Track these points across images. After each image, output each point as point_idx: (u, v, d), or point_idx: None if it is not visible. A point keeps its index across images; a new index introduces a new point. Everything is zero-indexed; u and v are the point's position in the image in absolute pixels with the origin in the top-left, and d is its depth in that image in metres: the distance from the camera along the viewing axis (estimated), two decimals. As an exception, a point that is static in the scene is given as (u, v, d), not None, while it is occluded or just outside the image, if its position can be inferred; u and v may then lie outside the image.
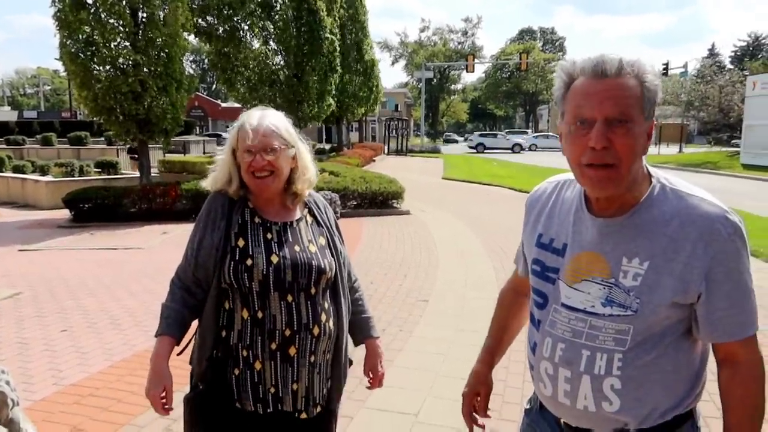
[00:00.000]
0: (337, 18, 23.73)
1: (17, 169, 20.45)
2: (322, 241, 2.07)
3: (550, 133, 55.72)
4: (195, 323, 2.03)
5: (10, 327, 5.63)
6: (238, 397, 1.95)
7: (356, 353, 2.22)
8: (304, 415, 1.99)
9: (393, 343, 5.08)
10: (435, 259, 8.58)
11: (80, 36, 13.06)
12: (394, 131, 44.29)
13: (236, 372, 1.94)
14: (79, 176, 18.55)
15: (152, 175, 16.36)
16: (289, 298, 1.93)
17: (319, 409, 2.03)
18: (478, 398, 1.84)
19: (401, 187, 14.04)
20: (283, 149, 1.96)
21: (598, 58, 1.33)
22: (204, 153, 32.44)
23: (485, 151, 47.94)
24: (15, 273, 7.93)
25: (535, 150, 49.27)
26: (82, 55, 13.11)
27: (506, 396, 4.06)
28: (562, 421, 1.55)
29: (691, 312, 1.39)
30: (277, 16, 21.38)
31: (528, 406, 1.74)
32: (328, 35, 21.70)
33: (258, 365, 1.93)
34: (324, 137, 55.20)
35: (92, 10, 13.01)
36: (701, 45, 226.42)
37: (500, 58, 79.69)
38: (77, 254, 9.47)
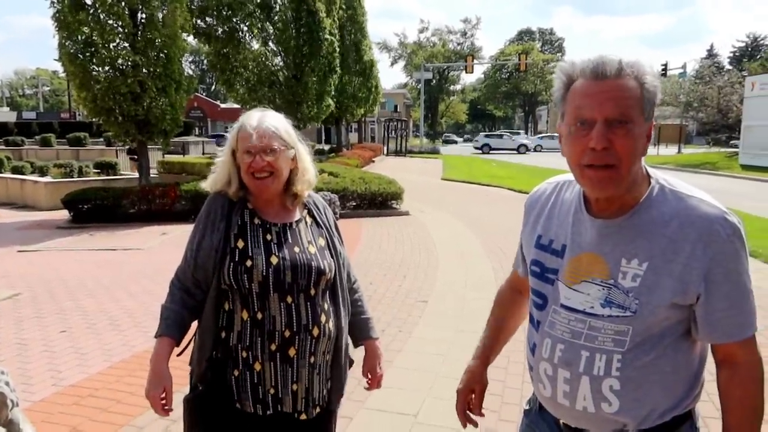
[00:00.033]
0: (336, 19, 23.73)
1: (16, 170, 20.44)
2: (322, 242, 2.07)
3: (556, 134, 55.67)
4: (194, 324, 2.04)
5: (9, 328, 5.63)
6: (237, 398, 1.95)
7: (355, 354, 2.22)
8: (303, 416, 2.00)
9: (392, 343, 5.08)
10: (434, 259, 8.58)
11: (79, 37, 13.07)
12: (393, 132, 44.31)
13: (236, 373, 1.94)
14: (78, 177, 18.54)
15: (151, 176, 16.37)
16: (289, 299, 1.93)
17: (318, 410, 2.03)
18: (473, 396, 1.82)
19: (400, 187, 14.04)
20: (283, 150, 1.96)
21: (597, 60, 1.33)
22: (203, 154, 32.45)
23: (491, 151, 47.80)
24: (14, 274, 7.93)
25: (540, 151, 49.22)
26: (81, 56, 13.12)
27: (505, 397, 4.06)
28: (561, 421, 1.55)
29: (690, 313, 1.39)
30: (276, 17, 21.40)
31: (527, 407, 1.74)
32: (327, 36, 21.72)
33: (258, 366, 1.93)
34: (323, 138, 55.20)
35: (91, 11, 13.02)
36: (700, 46, 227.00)
37: (499, 58, 79.73)
38: (76, 255, 9.47)
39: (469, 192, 18.55)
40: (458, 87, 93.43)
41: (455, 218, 12.74)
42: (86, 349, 5.07)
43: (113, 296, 6.74)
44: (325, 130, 54.09)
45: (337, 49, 23.23)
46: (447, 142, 72.20)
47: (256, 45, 21.67)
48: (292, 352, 1.94)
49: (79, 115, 48.71)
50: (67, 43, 13.05)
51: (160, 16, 13.62)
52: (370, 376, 2.25)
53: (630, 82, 1.32)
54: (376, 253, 9.10)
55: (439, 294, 6.74)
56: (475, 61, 55.77)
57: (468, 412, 1.84)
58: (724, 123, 37.66)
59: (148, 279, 7.53)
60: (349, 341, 2.18)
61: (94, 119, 15.63)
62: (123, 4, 13.11)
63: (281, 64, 21.79)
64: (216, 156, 2.10)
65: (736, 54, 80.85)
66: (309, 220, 2.10)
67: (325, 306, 2.02)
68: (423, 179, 22.60)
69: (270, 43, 21.88)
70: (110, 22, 13.18)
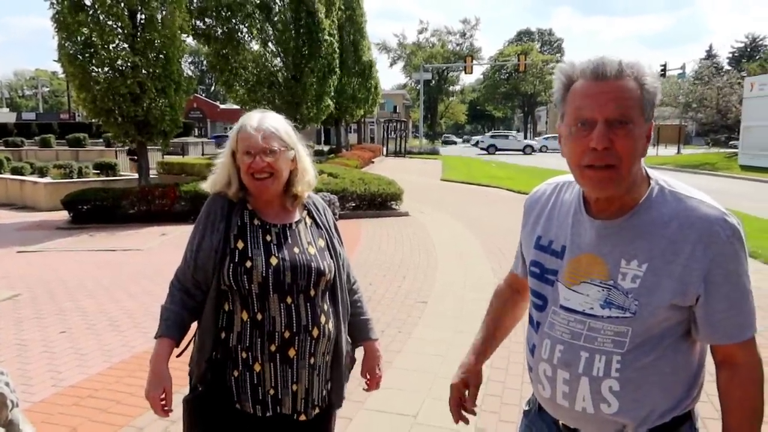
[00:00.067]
0: (335, 20, 23.74)
1: (16, 171, 20.43)
2: (322, 242, 2.08)
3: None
4: (194, 325, 2.04)
5: (9, 328, 5.63)
6: (237, 398, 1.95)
7: (354, 355, 2.22)
8: (303, 417, 2.00)
9: (392, 344, 5.08)
10: (434, 260, 8.58)
11: (79, 38, 13.07)
12: (392, 133, 44.31)
13: (235, 374, 1.94)
14: (78, 178, 18.53)
15: (151, 176, 16.36)
16: (289, 299, 1.94)
17: (317, 410, 2.04)
18: (467, 391, 1.79)
19: (400, 188, 14.04)
20: (283, 151, 1.96)
21: (598, 60, 1.33)
22: (203, 155, 32.46)
23: (497, 152, 47.61)
24: (14, 274, 7.93)
25: (545, 151, 49.18)
26: (80, 57, 13.12)
27: (505, 397, 4.06)
28: (560, 422, 1.55)
29: (690, 314, 1.39)
30: (276, 18, 21.41)
31: (527, 408, 1.74)
32: (327, 37, 21.72)
33: (257, 367, 1.93)
34: (323, 139, 55.21)
35: (91, 12, 13.02)
36: (699, 46, 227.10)
37: (498, 59, 79.70)
38: (76, 256, 9.47)
39: (468, 193, 18.55)
40: (457, 88, 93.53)
41: (454, 219, 12.74)
42: (86, 349, 5.07)
43: (113, 297, 6.74)
44: (324, 131, 54.13)
45: (337, 50, 23.23)
46: (446, 142, 72.18)
47: (255, 46, 21.68)
48: (291, 352, 1.94)
49: (78, 115, 48.73)
50: (66, 44, 13.05)
51: (159, 17, 13.61)
52: (369, 377, 2.25)
53: (630, 83, 1.32)
54: (376, 253, 9.11)
55: (438, 295, 6.74)
56: (475, 62, 55.76)
57: (462, 410, 1.81)
58: (723, 123, 37.75)
59: (147, 280, 7.53)
60: (350, 341, 2.19)
61: (93, 120, 15.64)
62: (122, 5, 13.12)
63: (280, 64, 21.79)
64: (216, 157, 2.10)
65: (735, 54, 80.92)
66: (309, 221, 2.11)
67: (325, 307, 2.02)
68: (422, 180, 22.61)
69: (269, 44, 21.89)
70: (110, 23, 13.18)
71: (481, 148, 50.42)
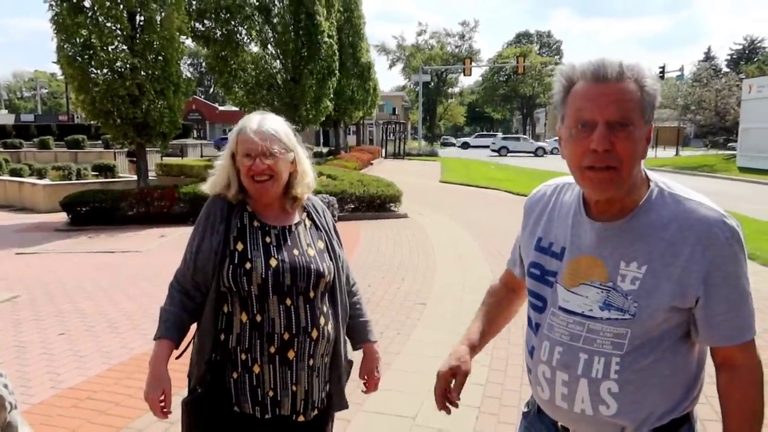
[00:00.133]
0: (334, 21, 23.76)
1: (14, 173, 20.40)
2: (321, 244, 2.08)
3: None
4: (193, 327, 2.04)
5: (8, 330, 5.62)
6: (236, 400, 1.95)
7: (353, 356, 2.22)
8: (302, 418, 2.00)
9: (391, 346, 5.08)
10: (433, 262, 8.58)
11: (78, 39, 13.06)
12: (391, 134, 44.32)
13: (234, 375, 1.94)
14: (77, 179, 18.51)
15: (150, 178, 16.35)
16: (288, 301, 1.94)
17: (316, 412, 2.04)
18: (453, 380, 1.70)
19: (399, 190, 14.04)
20: (283, 153, 1.96)
21: (598, 62, 1.34)
22: (202, 156, 32.46)
23: (508, 154, 47.38)
24: (12, 276, 7.92)
25: (557, 153, 49.14)
26: (79, 59, 13.11)
27: (503, 399, 4.07)
28: (559, 424, 1.55)
29: (689, 316, 1.40)
30: (275, 20, 21.42)
31: (526, 410, 1.74)
32: (326, 39, 21.74)
33: (257, 369, 1.93)
34: (321, 140, 55.22)
35: (90, 14, 13.01)
36: (697, 48, 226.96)
37: (497, 61, 79.72)
38: (75, 257, 9.46)
39: (467, 194, 18.56)
40: (456, 90, 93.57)
41: (453, 221, 12.75)
42: (85, 351, 5.07)
43: (112, 299, 6.73)
44: (323, 132, 54.16)
45: (336, 52, 23.25)
46: (445, 144, 72.11)
47: (254, 48, 21.71)
48: (291, 354, 1.94)
49: (77, 117, 48.69)
50: (65, 46, 13.04)
51: (159, 18, 13.61)
52: (367, 379, 2.25)
53: (631, 85, 1.32)
54: (375, 255, 9.11)
55: (437, 296, 6.74)
56: (474, 64, 55.71)
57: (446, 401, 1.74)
58: (721, 125, 37.81)
59: (146, 281, 7.53)
60: (348, 343, 2.19)
61: (92, 122, 15.62)
62: (121, 7, 13.12)
63: (280, 66, 21.80)
64: (215, 159, 2.10)
65: (734, 57, 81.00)
66: (308, 222, 2.11)
67: (324, 308, 2.02)
68: (421, 182, 22.61)
69: (269, 46, 21.91)
70: (108, 24, 13.17)
71: (493, 150, 50.10)
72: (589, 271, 1.44)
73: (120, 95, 13.13)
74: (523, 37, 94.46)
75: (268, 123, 1.98)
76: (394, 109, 66.74)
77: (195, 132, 52.21)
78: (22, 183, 18.60)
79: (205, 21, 19.87)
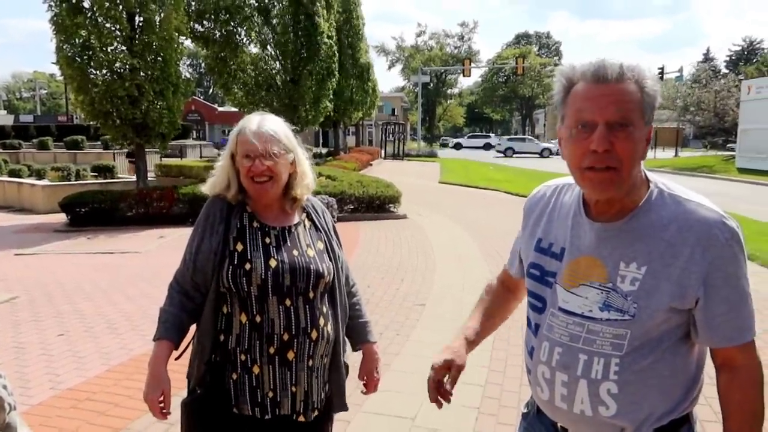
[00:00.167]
0: (333, 22, 23.76)
1: (13, 173, 20.37)
2: (320, 245, 2.08)
3: None
4: (193, 328, 2.04)
5: (7, 331, 5.62)
6: (235, 401, 1.95)
7: (353, 357, 2.22)
8: (302, 418, 2.00)
9: (390, 347, 5.08)
10: (432, 263, 8.58)
11: (77, 40, 13.05)
12: (390, 135, 44.32)
13: (234, 376, 1.94)
14: (76, 180, 18.48)
15: (149, 179, 16.33)
16: (288, 302, 1.94)
17: (317, 413, 2.03)
18: (447, 373, 1.69)
19: (398, 191, 14.04)
20: (282, 154, 1.96)
21: (598, 63, 1.34)
22: (201, 157, 32.44)
23: (514, 155, 47.17)
24: (11, 277, 7.91)
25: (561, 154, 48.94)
26: (78, 60, 13.10)
27: (503, 400, 4.07)
28: (559, 425, 1.55)
29: (689, 317, 1.40)
30: (275, 21, 21.41)
31: (525, 410, 1.74)
32: (326, 40, 21.73)
33: (256, 369, 1.93)
34: (321, 141, 55.22)
35: (89, 15, 12.99)
36: (696, 50, 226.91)
37: (496, 62, 79.78)
38: (74, 258, 9.45)
39: (466, 195, 18.57)
40: (456, 90, 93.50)
41: (453, 221, 12.75)
42: (84, 352, 5.06)
43: (111, 299, 6.73)
44: (322, 133, 54.17)
45: (336, 53, 23.24)
46: (444, 145, 72.06)
47: (254, 49, 21.69)
48: (290, 355, 1.94)
49: (76, 118, 48.59)
50: (64, 47, 13.03)
51: (158, 19, 13.61)
52: (367, 380, 2.25)
53: (631, 86, 1.33)
54: (374, 256, 9.10)
55: (436, 297, 6.74)
56: (473, 65, 55.72)
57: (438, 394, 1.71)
58: (720, 126, 37.85)
59: (145, 282, 7.52)
60: (347, 345, 2.19)
61: (91, 122, 15.61)
62: (120, 7, 13.10)
63: (279, 67, 21.80)
64: (215, 160, 2.10)
65: (733, 58, 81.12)
66: (308, 223, 2.11)
67: (324, 309, 2.02)
68: (420, 182, 22.61)
69: (268, 47, 21.90)
70: (108, 25, 13.16)
71: (498, 151, 49.90)
72: (588, 271, 1.44)
73: (119, 96, 13.12)
74: (522, 38, 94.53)
75: (267, 124, 1.98)
76: (393, 110, 66.78)
77: (194, 133, 52.15)
78: (21, 184, 18.58)
79: (205, 22, 19.85)
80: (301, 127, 22.02)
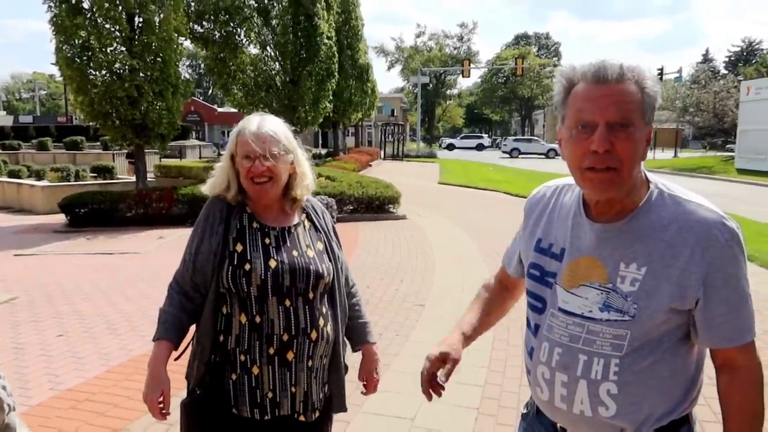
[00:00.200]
0: (332, 23, 23.77)
1: (13, 174, 20.36)
2: (320, 246, 2.08)
3: None
4: (192, 328, 2.03)
5: (6, 332, 5.62)
6: (235, 402, 1.95)
7: (352, 358, 2.22)
8: (302, 418, 2.00)
9: (389, 347, 5.08)
10: (431, 263, 8.58)
11: (76, 41, 13.05)
12: (390, 136, 44.32)
13: (233, 377, 1.94)
14: (75, 181, 18.47)
15: (148, 179, 16.33)
16: (287, 302, 1.94)
17: (317, 413, 2.03)
18: (442, 366, 1.67)
19: (397, 191, 14.04)
20: (282, 155, 1.96)
21: (599, 64, 1.34)
22: (200, 158, 32.44)
23: (520, 155, 47.03)
24: (10, 278, 7.91)
25: None
26: (78, 60, 13.10)
27: (502, 401, 4.06)
28: (558, 425, 1.55)
29: (689, 318, 1.40)
30: (274, 22, 21.42)
31: (525, 411, 1.74)
32: (325, 41, 21.74)
33: (256, 370, 1.93)
34: (320, 142, 55.22)
35: (89, 16, 12.99)
36: (695, 50, 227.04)
37: (496, 63, 79.71)
38: (73, 259, 9.45)
39: (465, 196, 18.57)
40: (455, 91, 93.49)
41: (452, 222, 12.75)
42: (83, 353, 5.06)
43: (110, 300, 6.72)
44: (322, 134, 54.17)
45: (336, 54, 23.24)
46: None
47: (253, 49, 21.69)
48: (290, 355, 1.94)
49: (75, 119, 48.58)
50: (64, 47, 13.03)
51: (157, 20, 13.61)
52: (366, 380, 2.25)
53: (631, 87, 1.33)
54: (374, 257, 9.10)
55: (436, 298, 6.74)
56: (472, 66, 55.66)
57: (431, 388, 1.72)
58: (719, 127, 37.87)
59: (145, 283, 7.52)
60: (347, 345, 2.19)
61: (91, 123, 15.59)
62: (120, 8, 13.10)
63: (278, 68, 21.79)
64: (215, 161, 2.10)
65: (732, 58, 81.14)
66: (307, 224, 2.11)
67: (324, 310, 2.02)
68: (420, 183, 22.61)
69: (267, 48, 21.90)
70: (107, 26, 13.16)
71: (504, 152, 49.82)
72: (588, 272, 1.44)
73: (118, 96, 13.12)
74: (521, 39, 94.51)
75: (267, 125, 1.98)
76: (392, 111, 66.74)
77: (194, 133, 52.15)
78: (20, 184, 18.57)
79: (204, 22, 19.85)
80: (301, 128, 22.02)
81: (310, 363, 1.98)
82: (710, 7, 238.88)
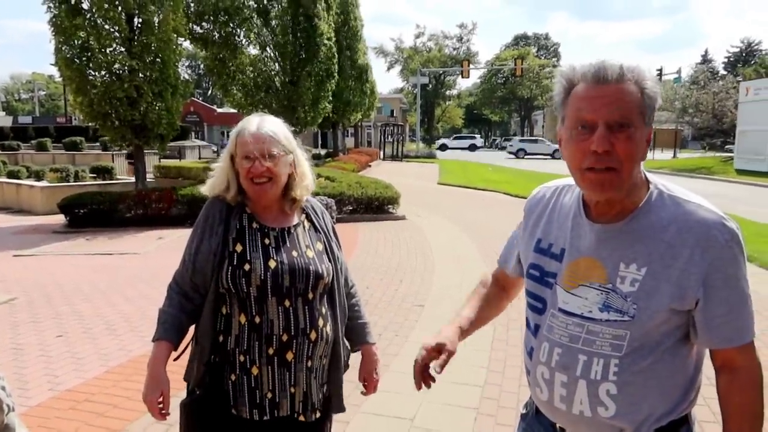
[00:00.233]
0: (332, 24, 23.77)
1: (12, 175, 20.36)
2: (320, 246, 2.08)
3: None
4: (192, 328, 2.03)
5: (6, 332, 5.61)
6: (234, 402, 1.95)
7: (352, 358, 2.22)
8: (302, 418, 2.00)
9: (389, 348, 5.08)
10: (431, 264, 8.58)
11: (76, 41, 13.03)
12: (389, 137, 44.30)
13: (233, 377, 1.94)
14: (75, 182, 18.46)
15: (148, 180, 16.32)
16: (287, 303, 1.94)
17: (317, 414, 2.03)
18: (436, 357, 1.70)
19: (397, 192, 14.04)
20: (282, 156, 1.96)
21: (599, 64, 1.34)
22: (200, 158, 32.44)
23: (526, 156, 47.00)
24: (10, 278, 7.91)
25: None
26: (77, 61, 13.09)
27: (502, 401, 4.06)
28: (558, 426, 1.55)
29: (688, 318, 1.40)
30: (274, 22, 21.42)
31: (524, 411, 1.74)
32: (325, 42, 21.74)
33: (255, 370, 1.93)
34: (320, 143, 55.21)
35: (88, 16, 12.98)
36: (695, 51, 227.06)
37: (495, 63, 79.68)
38: (72, 259, 9.45)
39: (465, 196, 18.56)
40: (454, 92, 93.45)
41: (451, 222, 12.75)
42: (83, 353, 5.06)
43: (110, 301, 6.72)
44: (321, 134, 54.16)
45: (335, 54, 23.24)
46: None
47: (253, 50, 21.69)
48: (289, 356, 1.94)
49: (75, 119, 48.65)
50: (63, 48, 13.02)
51: (156, 21, 13.60)
52: (366, 381, 2.25)
53: (631, 87, 1.33)
54: (373, 257, 9.10)
55: (435, 298, 6.74)
56: (471, 66, 55.70)
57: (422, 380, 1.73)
58: (719, 128, 37.88)
59: (144, 283, 7.52)
60: (347, 345, 2.19)
61: (90, 124, 15.59)
62: (119, 8, 13.09)
63: (278, 69, 21.79)
64: (214, 161, 2.10)
65: (731, 59, 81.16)
66: (307, 224, 2.11)
67: (323, 310, 2.02)
68: (419, 183, 22.60)
69: (267, 48, 21.90)
70: (107, 26, 13.14)
71: (510, 152, 49.78)
72: (588, 272, 1.44)
73: (118, 97, 13.11)
74: (520, 40, 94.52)
75: (267, 125, 1.98)
76: (392, 111, 66.76)
77: (193, 134, 52.13)
78: (19, 185, 18.57)
79: (204, 23, 19.84)
80: (300, 129, 22.02)
81: (309, 363, 1.98)
82: (710, 8, 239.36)
